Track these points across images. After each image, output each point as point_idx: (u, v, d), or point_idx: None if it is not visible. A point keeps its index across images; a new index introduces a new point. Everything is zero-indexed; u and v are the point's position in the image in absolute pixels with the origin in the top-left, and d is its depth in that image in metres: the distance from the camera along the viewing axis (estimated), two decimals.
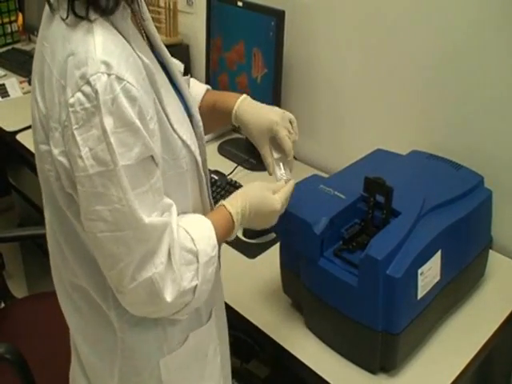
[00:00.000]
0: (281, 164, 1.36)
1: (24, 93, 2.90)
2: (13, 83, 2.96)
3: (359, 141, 2.05)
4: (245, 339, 1.87)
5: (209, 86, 1.49)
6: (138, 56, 1.01)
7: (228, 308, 1.50)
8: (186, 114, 1.17)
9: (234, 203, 1.20)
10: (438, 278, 1.39)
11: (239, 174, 2.15)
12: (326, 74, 2.10)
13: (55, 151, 0.99)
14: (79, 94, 0.92)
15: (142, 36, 1.11)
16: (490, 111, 1.70)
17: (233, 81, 2.27)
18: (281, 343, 1.47)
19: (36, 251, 2.60)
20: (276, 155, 1.35)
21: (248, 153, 2.26)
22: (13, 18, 3.47)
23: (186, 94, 1.22)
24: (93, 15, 0.97)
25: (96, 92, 0.91)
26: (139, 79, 0.97)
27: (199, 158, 1.16)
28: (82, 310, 1.19)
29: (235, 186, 2.01)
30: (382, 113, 1.97)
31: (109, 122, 0.92)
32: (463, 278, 1.51)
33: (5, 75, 3.07)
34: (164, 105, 1.07)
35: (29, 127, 2.49)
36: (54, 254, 1.21)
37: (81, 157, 0.94)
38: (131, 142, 0.95)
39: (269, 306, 1.59)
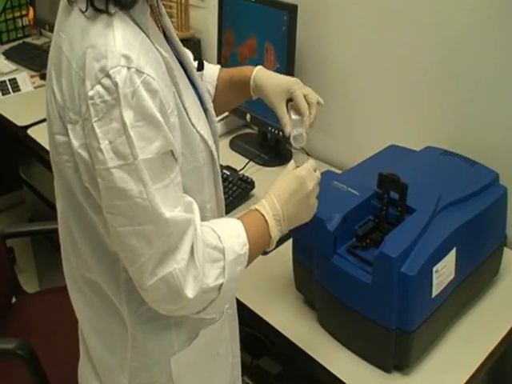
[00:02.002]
0: (297, 126, 1.34)
1: (35, 87, 2.90)
2: (24, 77, 2.96)
3: (372, 136, 2.03)
4: (256, 335, 1.87)
5: (220, 66, 1.52)
6: (157, 50, 1.01)
7: (240, 304, 1.50)
8: (202, 109, 1.17)
9: (260, 203, 1.19)
10: (452, 275, 1.38)
11: (251, 170, 2.14)
12: (339, 69, 2.09)
13: (76, 144, 0.98)
14: (99, 87, 0.92)
15: (160, 30, 1.11)
16: (506, 107, 1.68)
17: None
18: (293, 340, 1.47)
19: (47, 246, 2.60)
20: (294, 116, 1.35)
21: (260, 148, 2.25)
22: (24, 12, 3.47)
23: (201, 88, 1.22)
24: (112, 9, 0.96)
25: (116, 85, 0.91)
26: (159, 73, 0.97)
27: (215, 153, 1.16)
28: (93, 303, 1.19)
29: (247, 182, 2.00)
30: (396, 108, 1.95)
31: (128, 116, 0.92)
32: (477, 276, 1.50)
33: (16, 69, 3.07)
34: (183, 99, 1.07)
35: (40, 122, 2.51)
36: (66, 247, 1.20)
37: (100, 150, 0.93)
38: (152, 135, 0.95)
39: (281, 303, 1.58)
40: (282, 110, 1.34)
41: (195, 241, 1.02)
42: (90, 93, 0.92)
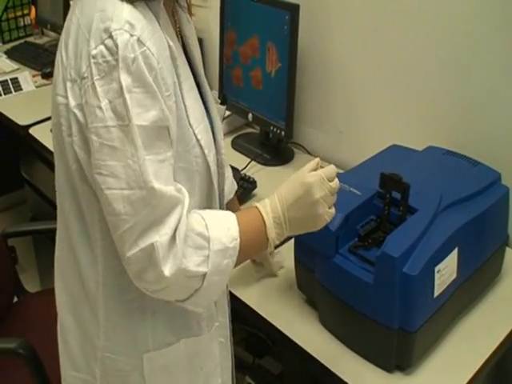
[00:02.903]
0: None
1: (37, 86, 2.90)
2: (25, 77, 2.96)
3: (375, 136, 2.03)
4: (258, 335, 1.87)
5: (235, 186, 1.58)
6: (165, 37, 1.03)
7: (241, 303, 1.50)
8: (206, 119, 1.16)
9: (262, 202, 1.17)
10: (454, 275, 1.38)
11: (253, 169, 2.14)
12: (341, 68, 2.08)
13: (72, 103, 1.00)
14: (102, 47, 0.95)
15: (174, 25, 1.12)
16: (508, 107, 1.68)
17: (247, 75, 2.25)
18: (295, 339, 1.46)
19: (49, 245, 2.58)
20: None
21: (262, 147, 2.25)
22: (26, 12, 3.47)
23: (210, 101, 1.22)
24: None
25: (117, 46, 0.94)
26: (162, 54, 1.00)
27: (212, 165, 1.16)
28: (73, 285, 1.18)
29: (249, 182, 2.00)
30: (398, 108, 1.95)
31: (125, 79, 0.94)
32: (479, 276, 1.50)
33: (18, 69, 3.08)
34: (183, 93, 1.08)
35: (42, 121, 2.52)
36: (59, 225, 1.20)
37: (100, 108, 0.95)
38: (148, 103, 0.96)
39: (283, 302, 1.58)
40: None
41: (180, 222, 1.01)
42: (93, 52, 0.95)
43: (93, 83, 0.95)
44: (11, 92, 2.84)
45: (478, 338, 1.45)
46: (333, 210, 1.18)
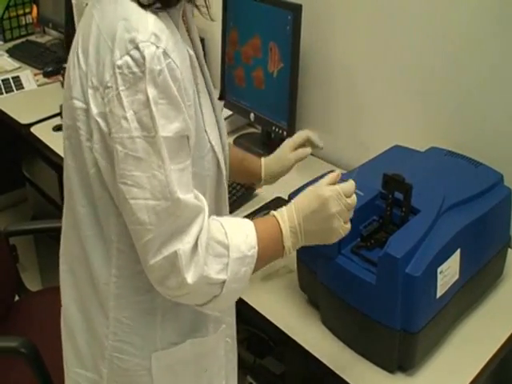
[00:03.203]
0: None
1: (38, 85, 2.90)
2: (27, 75, 2.97)
3: (377, 137, 2.03)
4: (260, 335, 1.87)
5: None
6: (185, 46, 1.05)
7: (243, 303, 1.50)
8: (216, 122, 1.18)
9: (280, 211, 1.17)
10: (456, 276, 1.38)
11: None
12: (343, 68, 2.09)
13: (94, 111, 1.00)
14: (127, 58, 0.95)
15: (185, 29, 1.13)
16: (510, 108, 1.68)
17: (248, 75, 2.25)
18: (297, 340, 1.46)
19: (50, 244, 2.59)
20: None
21: (263, 147, 2.25)
22: (27, 10, 3.47)
23: (216, 103, 1.22)
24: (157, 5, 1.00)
25: (144, 58, 0.94)
26: (183, 64, 1.01)
27: (224, 170, 1.18)
28: (81, 282, 1.19)
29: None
30: (400, 108, 1.95)
31: (152, 91, 0.95)
32: (481, 277, 1.50)
33: (19, 67, 3.08)
34: (201, 101, 1.09)
35: (43, 120, 2.52)
36: (69, 228, 1.20)
37: (126, 118, 0.96)
38: (172, 115, 0.97)
39: (285, 303, 1.58)
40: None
41: (202, 230, 1.03)
42: (119, 62, 0.95)
43: (118, 93, 0.95)
44: (13, 90, 2.84)
45: (480, 339, 1.45)
46: (348, 226, 1.19)
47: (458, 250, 1.36)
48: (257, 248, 1.08)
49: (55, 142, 2.37)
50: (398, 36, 1.88)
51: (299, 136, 1.60)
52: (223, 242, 1.05)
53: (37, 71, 3.02)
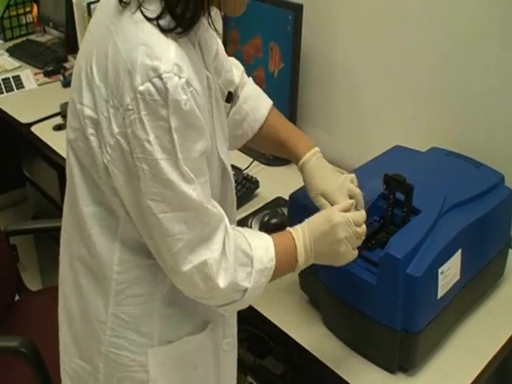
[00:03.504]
0: None
1: (39, 84, 2.89)
2: (27, 75, 2.96)
3: (377, 137, 2.03)
4: (260, 335, 1.86)
5: (270, 101, 1.51)
6: (202, 69, 1.08)
7: None
8: (223, 134, 1.21)
9: (295, 228, 1.23)
10: (457, 277, 1.38)
11: (255, 169, 2.14)
12: (345, 69, 2.08)
13: (116, 130, 1.02)
14: (149, 85, 0.96)
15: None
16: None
17: (249, 75, 2.22)
18: (297, 340, 1.46)
19: (50, 244, 2.59)
20: None
21: None
22: (28, 10, 3.45)
23: (224, 116, 1.25)
24: (176, 30, 1.01)
25: (167, 90, 0.96)
26: (203, 87, 1.04)
27: (233, 183, 1.24)
28: (81, 277, 1.20)
29: (251, 181, 2.00)
30: (401, 108, 1.95)
31: (174, 120, 0.98)
32: (482, 278, 1.50)
33: (19, 67, 3.07)
34: (214, 119, 1.12)
35: (44, 119, 2.51)
36: (71, 226, 1.21)
37: (149, 141, 0.98)
38: (195, 137, 1.01)
39: (285, 303, 1.58)
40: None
41: (226, 237, 1.09)
42: (141, 88, 0.97)
43: (140, 117, 0.98)
44: (13, 90, 2.83)
45: (480, 339, 1.45)
46: (356, 252, 1.25)
47: (459, 251, 1.36)
48: (274, 261, 1.15)
49: (55, 142, 2.37)
50: (399, 36, 1.87)
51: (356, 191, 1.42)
52: (248, 254, 1.12)
53: (37, 70, 3.01)
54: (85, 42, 1.12)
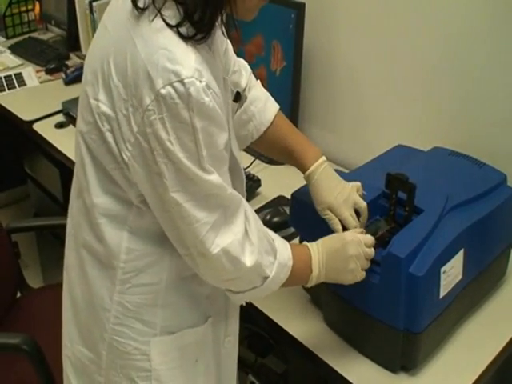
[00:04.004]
0: None
1: (41, 82, 2.89)
2: (29, 72, 2.96)
3: (379, 136, 2.03)
4: (261, 334, 1.86)
5: (277, 106, 1.52)
6: (220, 71, 1.12)
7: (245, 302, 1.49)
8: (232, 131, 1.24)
9: (310, 243, 1.28)
10: (460, 276, 1.38)
11: (257, 168, 2.14)
12: (347, 67, 2.08)
13: (135, 128, 1.04)
14: (171, 89, 0.99)
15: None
16: None
17: None
18: (299, 338, 1.46)
19: (52, 241, 2.60)
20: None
21: None
22: (30, 7, 3.45)
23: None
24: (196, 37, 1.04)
25: (189, 95, 1.00)
26: (221, 88, 1.07)
27: (243, 177, 1.27)
28: (87, 264, 1.22)
29: (253, 180, 2.00)
30: (403, 108, 1.95)
31: (198, 122, 1.01)
32: (485, 278, 1.50)
33: (22, 64, 3.07)
34: (229, 118, 1.16)
35: (46, 117, 2.51)
36: (78, 214, 1.23)
37: (170, 141, 1.02)
38: (217, 133, 1.05)
39: (287, 301, 1.57)
40: (349, 219, 1.36)
41: (247, 221, 1.14)
42: (162, 91, 0.99)
43: (162, 117, 1.01)
44: (15, 87, 2.83)
45: (482, 339, 1.45)
46: (363, 273, 1.30)
47: (462, 250, 1.36)
48: (292, 261, 1.21)
49: (57, 139, 2.37)
50: (402, 35, 1.87)
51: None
52: (273, 246, 1.18)
53: (39, 68, 3.00)
54: (100, 37, 1.14)
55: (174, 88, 0.99)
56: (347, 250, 1.26)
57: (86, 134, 1.15)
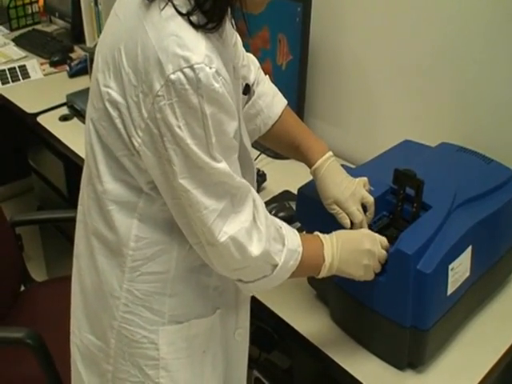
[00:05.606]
0: None
1: (45, 74, 2.89)
2: (33, 65, 2.95)
3: (386, 131, 2.02)
4: (265, 329, 1.86)
5: (285, 101, 1.51)
6: (229, 59, 1.12)
7: (251, 297, 1.49)
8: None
9: (323, 235, 1.28)
10: (468, 273, 1.37)
11: (262, 162, 2.13)
12: (354, 61, 2.07)
13: (145, 114, 1.05)
14: (181, 74, 1.00)
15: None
16: None
17: None
18: (304, 334, 1.46)
19: (55, 234, 2.59)
20: None
21: None
22: None
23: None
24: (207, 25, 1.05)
25: (199, 80, 1.00)
26: (231, 77, 1.08)
27: (255, 169, 1.29)
28: (97, 253, 1.23)
29: (258, 174, 1.99)
30: (411, 103, 1.94)
31: (208, 108, 1.02)
32: (493, 274, 1.49)
33: (25, 56, 3.06)
34: (239, 108, 1.16)
35: (50, 109, 2.51)
36: (88, 201, 1.23)
37: (179, 127, 1.02)
38: (227, 120, 1.05)
39: (293, 297, 1.57)
40: (356, 213, 1.36)
41: (255, 209, 1.14)
42: (172, 77, 1.00)
43: (171, 103, 1.01)
44: (19, 80, 2.82)
45: (490, 337, 1.44)
46: (373, 274, 1.30)
47: (470, 247, 1.35)
48: (301, 248, 1.20)
49: (61, 132, 2.37)
50: (410, 28, 1.86)
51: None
52: (281, 232, 1.18)
53: (43, 60, 3.00)
54: (112, 25, 1.14)
55: (183, 73, 0.99)
56: (364, 243, 1.27)
57: (96, 121, 1.15)
